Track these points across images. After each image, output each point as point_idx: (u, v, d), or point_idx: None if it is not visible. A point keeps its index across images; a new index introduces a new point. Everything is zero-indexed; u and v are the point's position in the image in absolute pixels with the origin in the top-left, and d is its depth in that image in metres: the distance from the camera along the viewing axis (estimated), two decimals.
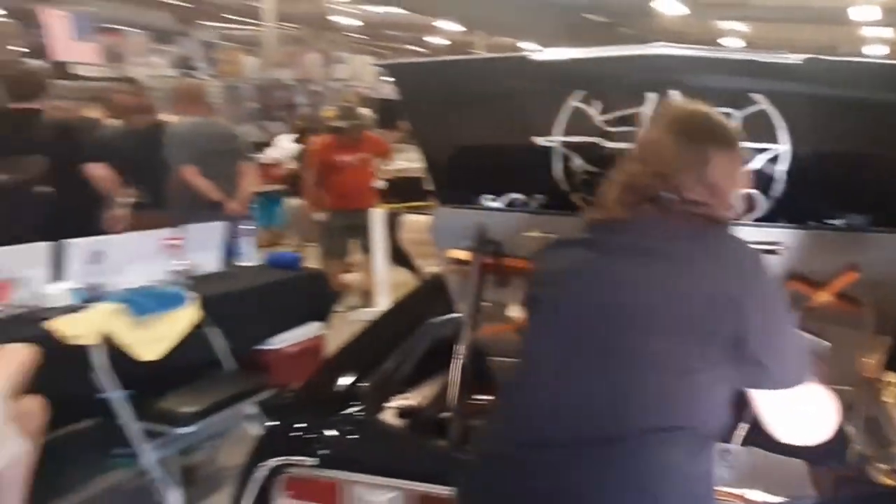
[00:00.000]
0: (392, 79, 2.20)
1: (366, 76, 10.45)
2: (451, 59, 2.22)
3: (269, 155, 7.68)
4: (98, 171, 4.35)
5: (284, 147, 7.63)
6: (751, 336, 1.19)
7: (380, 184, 5.86)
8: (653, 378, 1.19)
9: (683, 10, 11.56)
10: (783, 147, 1.86)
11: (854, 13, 10.91)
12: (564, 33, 11.48)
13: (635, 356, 1.21)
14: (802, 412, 1.26)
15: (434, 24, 13.74)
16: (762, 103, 1.81)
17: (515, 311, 2.25)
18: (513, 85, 2.02)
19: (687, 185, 1.26)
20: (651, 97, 1.90)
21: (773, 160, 1.89)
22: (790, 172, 1.86)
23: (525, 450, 1.24)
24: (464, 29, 13.13)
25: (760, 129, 1.85)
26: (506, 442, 1.29)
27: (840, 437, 1.74)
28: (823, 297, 1.86)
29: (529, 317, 1.42)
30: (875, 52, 14.69)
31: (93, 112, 4.55)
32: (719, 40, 13.77)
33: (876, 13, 10.81)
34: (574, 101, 2.03)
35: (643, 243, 1.27)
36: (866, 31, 13.83)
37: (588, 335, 1.26)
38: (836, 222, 1.88)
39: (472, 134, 2.19)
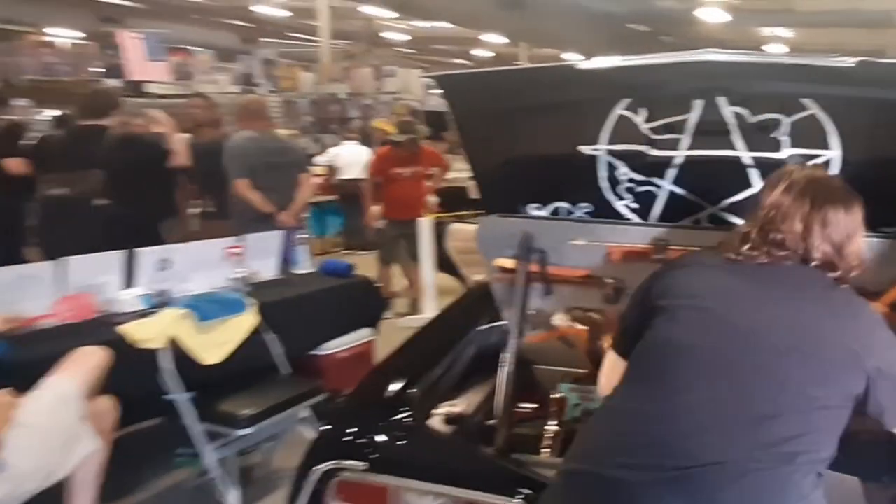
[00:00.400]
0: (440, 90, 2.17)
1: (414, 89, 10.49)
2: (497, 70, 2.18)
3: (328, 163, 7.74)
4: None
5: (354, 155, 7.60)
6: (871, 389, 1.23)
7: (432, 199, 5.88)
8: (789, 405, 1.19)
9: (726, 17, 11.27)
10: (835, 153, 1.76)
11: None
12: (608, 43, 11.30)
13: (776, 382, 1.21)
14: None
15: (479, 37, 13.74)
16: (812, 108, 1.72)
17: (560, 319, 2.19)
18: (559, 94, 1.97)
19: (813, 245, 1.32)
20: (698, 104, 1.83)
21: (825, 166, 1.79)
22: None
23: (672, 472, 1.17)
24: (507, 41, 13.07)
25: (811, 134, 1.76)
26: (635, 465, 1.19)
27: (892, 453, 1.64)
28: (878, 307, 1.75)
29: (659, 325, 1.34)
30: None
31: (160, 127, 4.63)
32: (763, 47, 13.36)
33: None
34: (620, 109, 1.97)
35: (788, 282, 1.31)
36: None
37: (731, 357, 1.25)
38: (891, 230, 1.77)
39: (519, 143, 2.15)
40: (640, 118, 1.95)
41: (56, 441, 2.29)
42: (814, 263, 1.32)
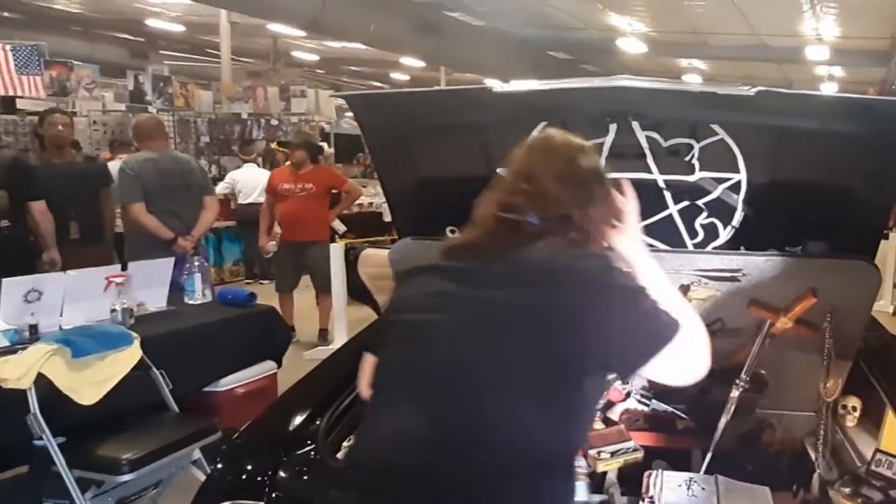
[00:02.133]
0: (352, 110, 2.21)
1: (325, 110, 10.50)
2: (412, 91, 2.25)
3: (227, 186, 7.62)
4: (37, 208, 4.27)
5: (254, 179, 7.50)
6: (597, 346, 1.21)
7: (337, 223, 5.88)
8: (509, 400, 1.20)
9: (644, 49, 11.96)
10: (741, 176, 1.92)
11: (810, 53, 11.44)
12: (530, 70, 11.72)
13: (484, 377, 1.22)
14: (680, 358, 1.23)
15: (399, 59, 13.93)
16: (720, 133, 1.87)
17: None
18: (477, 116, 2.05)
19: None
20: (612, 127, 1.94)
21: (733, 189, 1.95)
22: (748, 200, 1.92)
23: (380, 473, 1.25)
24: (425, 65, 13.34)
25: (720, 158, 1.91)
26: (364, 465, 1.31)
27: (803, 463, 1.76)
28: (784, 322, 1.90)
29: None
30: (828, 89, 15.40)
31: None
32: (683, 77, 14.24)
33: (825, 53, 11.41)
34: (537, 132, 2.07)
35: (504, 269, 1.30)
36: (820, 70, 14.52)
37: (431, 356, 1.28)
38: (795, 249, 1.94)
39: (435, 165, 2.21)
40: None
41: None
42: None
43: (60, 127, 4.71)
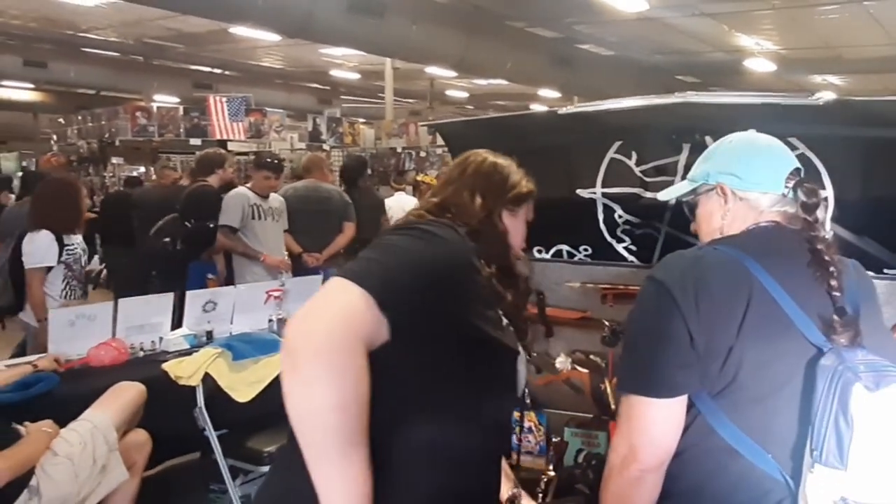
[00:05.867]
0: (442, 139, 2.14)
1: None
2: (491, 116, 2.14)
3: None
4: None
5: (404, 203, 7.72)
6: None
7: None
8: None
9: (773, 67, 10.92)
10: (828, 192, 1.62)
11: None
12: (658, 95, 11.14)
13: None
14: None
15: (537, 92, 13.80)
16: (800, 147, 1.58)
17: (563, 362, 2.08)
18: (550, 138, 1.91)
19: None
20: (686, 146, 1.72)
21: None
22: (837, 219, 1.60)
23: None
24: (560, 96, 13.07)
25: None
26: None
27: None
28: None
29: None
30: None
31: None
32: (814, 94, 12.83)
33: None
34: (612, 153, 1.89)
35: None
36: None
37: None
38: (894, 271, 1.59)
39: None
40: (631, 161, 1.86)
41: (86, 471, 2.30)
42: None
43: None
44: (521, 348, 1.20)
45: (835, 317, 1.08)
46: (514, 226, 1.32)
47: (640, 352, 1.11)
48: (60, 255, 3.39)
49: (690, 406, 1.07)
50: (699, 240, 1.26)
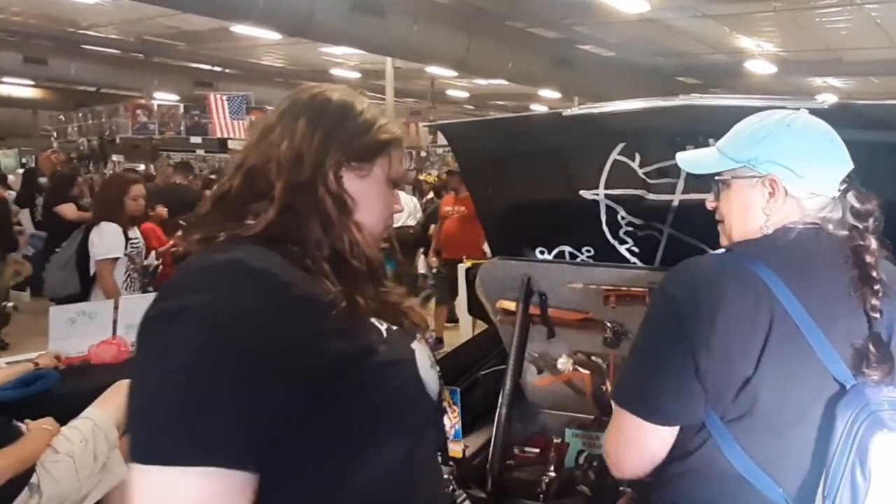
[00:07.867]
0: (445, 139, 2.14)
1: None
2: (495, 117, 2.14)
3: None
4: None
5: (404, 203, 7.68)
6: None
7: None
8: None
9: (774, 69, 10.93)
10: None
11: None
12: (658, 96, 11.14)
13: None
14: None
15: (538, 92, 13.82)
16: None
17: (564, 363, 2.08)
18: (552, 140, 1.91)
19: None
20: (689, 148, 1.72)
21: None
22: None
23: None
24: (561, 96, 13.07)
25: None
26: None
27: None
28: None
29: None
30: None
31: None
32: (817, 97, 12.86)
33: None
34: (615, 154, 1.89)
35: None
36: None
37: None
38: None
39: (521, 188, 2.09)
40: (634, 163, 1.86)
41: (87, 469, 2.30)
42: None
43: None
44: (416, 339, 0.91)
45: (871, 347, 0.96)
46: (368, 192, 0.90)
47: (640, 370, 1.02)
48: (126, 247, 3.54)
49: (701, 428, 0.99)
50: (719, 227, 1.12)
